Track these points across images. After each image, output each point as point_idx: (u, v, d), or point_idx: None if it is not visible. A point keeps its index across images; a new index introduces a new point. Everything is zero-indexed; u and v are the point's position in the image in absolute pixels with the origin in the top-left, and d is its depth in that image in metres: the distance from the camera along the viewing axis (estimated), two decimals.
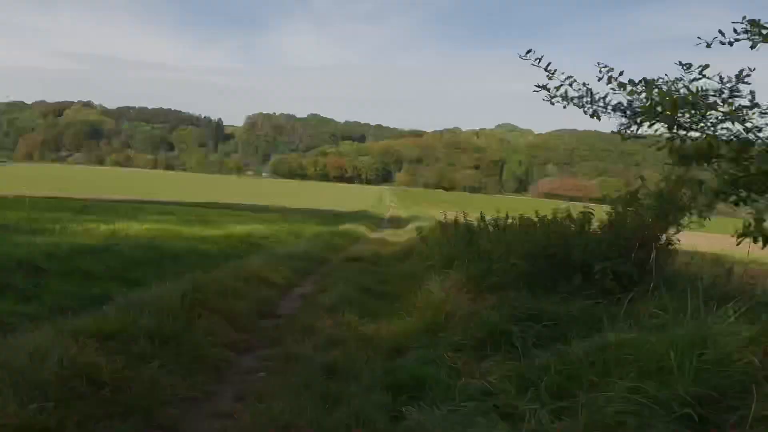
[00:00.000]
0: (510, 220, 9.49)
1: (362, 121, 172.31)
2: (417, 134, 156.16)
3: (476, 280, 6.29)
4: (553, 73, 4.74)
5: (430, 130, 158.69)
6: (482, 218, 10.82)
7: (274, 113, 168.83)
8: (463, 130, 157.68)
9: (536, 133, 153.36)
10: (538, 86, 4.75)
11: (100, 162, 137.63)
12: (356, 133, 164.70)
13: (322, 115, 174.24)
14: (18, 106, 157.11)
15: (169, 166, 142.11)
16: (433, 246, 12.15)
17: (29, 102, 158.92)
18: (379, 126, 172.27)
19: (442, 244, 11.54)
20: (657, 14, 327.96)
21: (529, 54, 4.67)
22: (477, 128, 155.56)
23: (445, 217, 13.25)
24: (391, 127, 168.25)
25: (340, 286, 7.68)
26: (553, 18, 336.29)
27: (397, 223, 31.76)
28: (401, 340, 5.18)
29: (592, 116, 4.83)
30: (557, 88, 4.73)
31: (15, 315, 5.41)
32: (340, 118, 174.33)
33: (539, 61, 4.70)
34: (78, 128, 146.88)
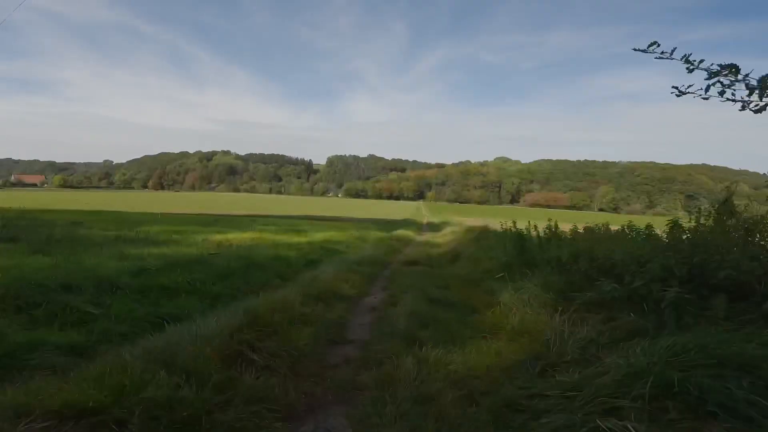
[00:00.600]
0: (567, 228, 8.91)
1: (403, 158, 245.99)
2: (441, 166, 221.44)
3: (561, 293, 5.51)
4: (698, 64, 3.52)
5: (449, 162, 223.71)
6: (534, 226, 10.03)
7: (345, 154, 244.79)
8: (472, 161, 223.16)
9: (522, 162, 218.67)
10: (678, 88, 3.56)
11: (236, 190, 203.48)
12: (399, 166, 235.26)
13: (376, 154, 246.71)
14: (185, 155, 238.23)
15: (278, 192, 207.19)
16: (485, 250, 12.20)
17: (192, 151, 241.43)
18: (415, 161, 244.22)
19: (493, 248, 11.63)
20: (606, 78, 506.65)
21: (652, 47, 3.65)
22: (482, 160, 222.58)
23: (472, 223, 14.40)
24: (423, 161, 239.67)
25: (408, 299, 7.43)
26: (533, 83, 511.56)
27: (435, 227, 37.52)
28: (501, 378, 4.14)
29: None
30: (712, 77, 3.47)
31: (45, 347, 4.32)
32: (389, 156, 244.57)
33: (671, 54, 3.62)
34: (222, 168, 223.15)
